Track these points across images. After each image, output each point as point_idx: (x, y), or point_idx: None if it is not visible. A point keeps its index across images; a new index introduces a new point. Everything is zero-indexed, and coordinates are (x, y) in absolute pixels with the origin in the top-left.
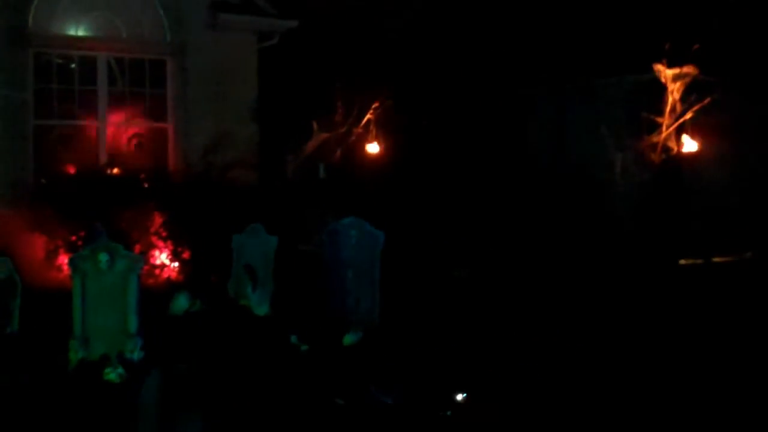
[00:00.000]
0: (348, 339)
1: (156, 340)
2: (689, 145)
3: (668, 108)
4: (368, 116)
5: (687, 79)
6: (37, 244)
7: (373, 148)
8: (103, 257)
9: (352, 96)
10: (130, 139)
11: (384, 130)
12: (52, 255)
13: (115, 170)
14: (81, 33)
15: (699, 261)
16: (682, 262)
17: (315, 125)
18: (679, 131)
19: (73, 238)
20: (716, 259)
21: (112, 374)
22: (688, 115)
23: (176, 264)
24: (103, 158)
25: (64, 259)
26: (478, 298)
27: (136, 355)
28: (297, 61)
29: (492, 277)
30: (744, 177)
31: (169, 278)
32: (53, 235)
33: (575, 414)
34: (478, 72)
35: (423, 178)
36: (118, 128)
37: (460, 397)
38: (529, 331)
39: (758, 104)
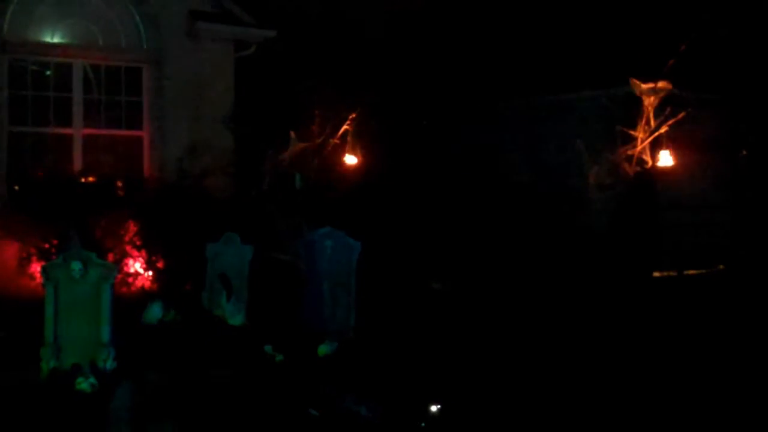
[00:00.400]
0: (323, 349)
1: (129, 349)
2: (664, 158)
3: (643, 122)
4: (345, 127)
5: (662, 94)
6: (10, 252)
7: (350, 158)
8: (76, 266)
9: (330, 106)
10: (105, 147)
11: (361, 141)
12: (24, 262)
13: (90, 178)
14: (57, 40)
15: (672, 273)
16: (656, 274)
17: (293, 134)
18: (654, 145)
19: (47, 245)
20: (689, 272)
21: (84, 384)
22: (663, 129)
23: (150, 273)
24: (78, 165)
25: (36, 267)
26: (454, 310)
27: (109, 364)
28: (274, 71)
29: (468, 289)
30: (717, 191)
31: (143, 287)
32: (26, 243)
33: (550, 425)
34: (455, 85)
35: (400, 190)
36: (93, 135)
37: (434, 408)
38: (504, 342)
39: (732, 119)
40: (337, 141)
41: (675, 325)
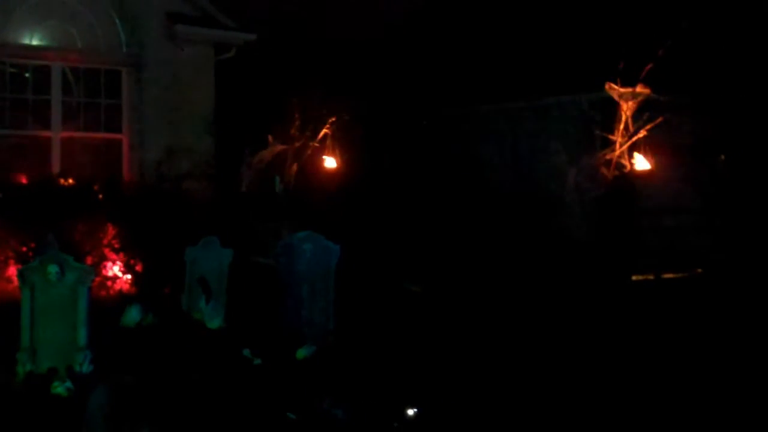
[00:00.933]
0: (301, 353)
1: (107, 352)
2: (642, 163)
3: (621, 126)
4: (325, 130)
5: (640, 98)
6: None
7: (329, 162)
8: (53, 269)
9: (309, 110)
10: (83, 150)
11: (340, 144)
12: (1, 266)
13: (69, 181)
14: (36, 42)
15: (650, 277)
16: (635, 277)
17: (270, 138)
18: (632, 149)
19: (24, 249)
20: (667, 275)
21: (60, 388)
22: (641, 134)
23: (129, 276)
24: (57, 168)
25: (13, 271)
26: (432, 313)
27: (85, 368)
28: (254, 74)
29: (447, 292)
30: (695, 195)
31: (121, 290)
32: (3, 246)
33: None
34: (435, 89)
35: (379, 193)
36: (72, 138)
37: (411, 412)
38: (482, 346)
39: (710, 123)
40: (316, 144)
41: (654, 328)
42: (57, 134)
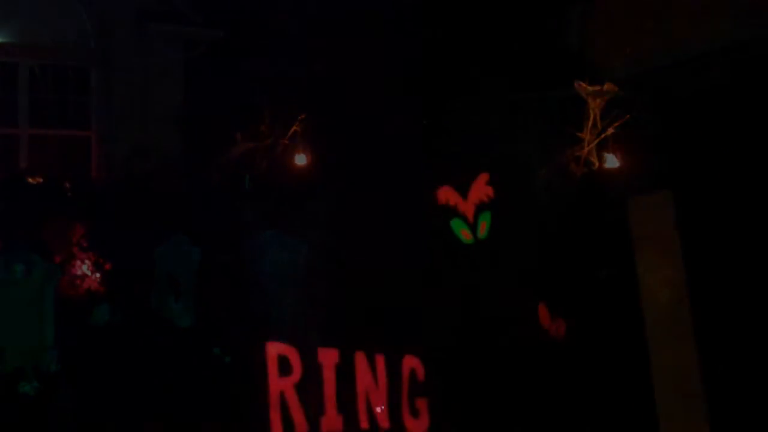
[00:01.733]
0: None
1: (75, 351)
2: (610, 160)
3: (590, 124)
4: (294, 128)
5: (608, 96)
6: None
7: (299, 159)
8: (19, 267)
9: (279, 107)
10: (51, 148)
11: (311, 142)
12: None
13: (36, 178)
14: (2, 39)
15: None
16: (604, 271)
17: (239, 136)
18: (601, 146)
19: None
20: None
21: (27, 387)
22: (609, 131)
23: (98, 274)
24: (24, 166)
25: None
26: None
27: (53, 367)
28: (224, 71)
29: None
30: (661, 189)
31: (89, 289)
32: None
33: None
34: (405, 85)
35: (348, 189)
36: (39, 136)
37: (379, 409)
38: (447, 341)
39: (674, 123)
40: (286, 142)
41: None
42: (24, 131)
